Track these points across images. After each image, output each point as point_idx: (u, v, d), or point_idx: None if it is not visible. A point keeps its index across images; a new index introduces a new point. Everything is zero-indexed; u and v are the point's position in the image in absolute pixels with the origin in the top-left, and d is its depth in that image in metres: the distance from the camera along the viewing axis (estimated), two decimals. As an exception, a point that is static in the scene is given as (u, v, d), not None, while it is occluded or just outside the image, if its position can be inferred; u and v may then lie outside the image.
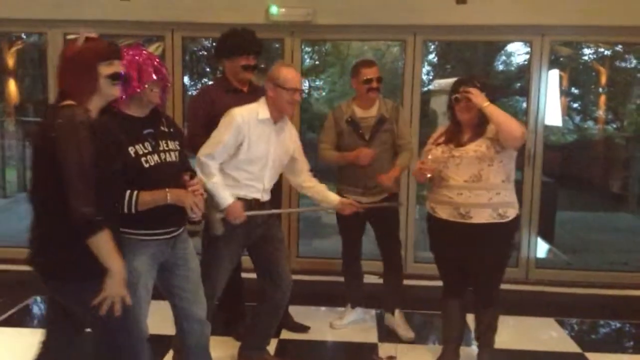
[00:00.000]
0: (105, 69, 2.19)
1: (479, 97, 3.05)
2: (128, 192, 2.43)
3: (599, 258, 6.30)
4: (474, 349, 3.52)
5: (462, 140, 3.19)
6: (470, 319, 3.48)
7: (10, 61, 10.46)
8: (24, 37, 10.16)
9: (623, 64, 11.30)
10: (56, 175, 2.05)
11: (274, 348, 3.74)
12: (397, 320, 3.93)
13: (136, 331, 2.37)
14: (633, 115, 11.62)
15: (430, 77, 11.92)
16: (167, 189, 2.48)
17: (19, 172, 10.98)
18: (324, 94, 15.70)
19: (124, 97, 2.43)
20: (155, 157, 2.53)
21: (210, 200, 2.94)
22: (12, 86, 10.61)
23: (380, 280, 4.09)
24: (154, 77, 2.48)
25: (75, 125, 2.05)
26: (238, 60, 3.53)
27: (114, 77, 2.21)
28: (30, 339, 3.67)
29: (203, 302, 2.81)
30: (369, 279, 4.22)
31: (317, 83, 15.71)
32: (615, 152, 10.74)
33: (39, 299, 4.61)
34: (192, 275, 2.76)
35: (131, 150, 2.47)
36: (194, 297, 2.77)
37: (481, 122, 3.14)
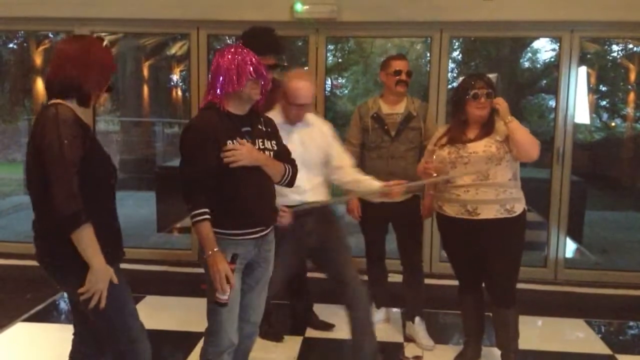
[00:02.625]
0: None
1: (505, 110, 3.04)
2: (201, 209, 2.43)
3: (629, 258, 6.17)
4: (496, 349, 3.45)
5: (466, 138, 3.14)
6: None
7: (38, 60, 10.63)
8: (52, 36, 10.31)
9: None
10: (42, 172, 2.09)
11: (298, 347, 3.73)
12: (416, 328, 3.83)
13: (126, 334, 2.34)
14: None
15: (455, 75, 11.84)
16: (215, 248, 2.44)
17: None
18: (346, 91, 15.70)
19: (221, 93, 2.50)
20: None
21: None
22: (39, 85, 10.79)
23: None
24: (252, 75, 2.49)
25: (57, 121, 2.09)
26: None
27: (109, 88, 2.35)
28: (57, 334, 3.74)
29: (262, 307, 2.81)
30: (393, 277, 4.18)
31: (340, 81, 15.71)
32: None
33: (66, 294, 4.65)
34: (263, 279, 2.76)
35: (229, 143, 2.49)
36: (257, 300, 2.76)
37: (490, 121, 3.12)
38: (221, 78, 2.49)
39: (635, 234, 7.24)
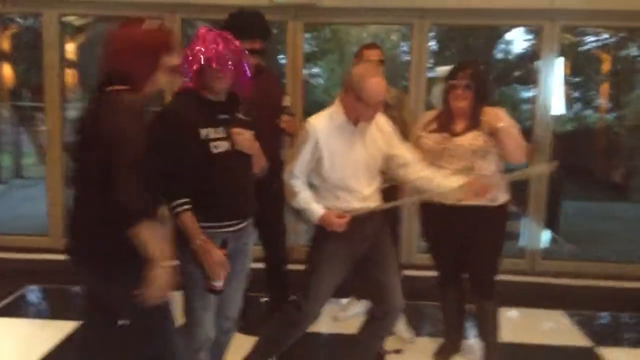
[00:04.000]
0: (167, 60, 2.16)
1: (494, 118, 2.97)
2: (181, 200, 2.35)
3: (604, 249, 6.20)
4: (477, 342, 3.42)
5: (455, 129, 3.06)
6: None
7: (5, 45, 10.31)
8: (20, 20, 10.02)
9: (625, 52, 11.20)
10: (105, 163, 1.97)
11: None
12: None
13: (175, 339, 2.26)
14: (635, 104, 11.51)
15: (429, 65, 11.80)
16: (202, 236, 2.36)
17: (15, 157, 10.86)
18: (322, 81, 15.57)
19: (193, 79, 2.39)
20: (227, 144, 2.42)
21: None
22: (6, 70, 10.46)
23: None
24: (214, 65, 2.36)
25: (135, 114, 1.99)
26: (242, 44, 3.39)
27: (172, 70, 2.20)
28: (25, 329, 3.59)
29: (239, 302, 2.71)
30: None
31: (315, 70, 15.57)
32: (616, 142, 10.67)
33: (34, 288, 4.50)
34: (241, 273, 2.65)
35: (202, 132, 2.37)
36: (234, 294, 2.65)
37: (475, 113, 3.02)
38: (189, 61, 2.39)
39: (611, 224, 7.31)
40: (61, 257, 2.27)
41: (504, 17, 4.85)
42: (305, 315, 2.86)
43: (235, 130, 2.41)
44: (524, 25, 8.65)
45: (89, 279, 2.21)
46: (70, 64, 9.01)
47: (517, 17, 4.82)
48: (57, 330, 3.63)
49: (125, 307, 2.15)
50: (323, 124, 2.76)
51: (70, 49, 8.74)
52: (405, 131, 3.63)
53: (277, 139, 3.68)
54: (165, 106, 2.50)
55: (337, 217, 2.73)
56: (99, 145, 1.98)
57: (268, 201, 3.23)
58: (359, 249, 2.88)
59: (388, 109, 3.57)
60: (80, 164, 2.12)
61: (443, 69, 7.70)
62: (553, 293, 4.60)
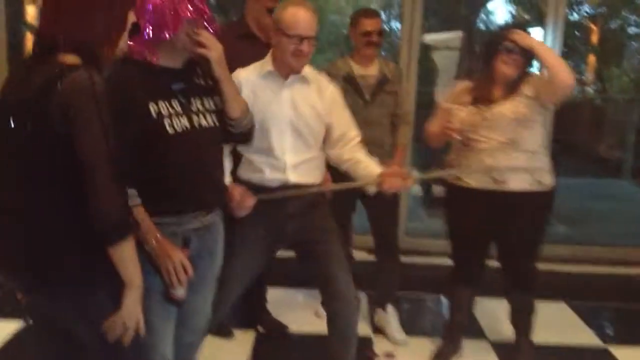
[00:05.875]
0: (131, 17, 1.70)
1: (527, 37, 2.61)
2: (131, 190, 1.79)
3: (600, 230, 5.85)
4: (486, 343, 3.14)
5: (492, 97, 2.69)
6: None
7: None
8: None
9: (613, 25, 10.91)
10: (64, 164, 1.55)
11: (251, 343, 3.24)
12: (388, 318, 3.36)
13: None
14: (622, 78, 11.25)
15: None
16: (158, 235, 1.88)
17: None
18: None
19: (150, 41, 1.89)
20: (185, 120, 1.92)
21: None
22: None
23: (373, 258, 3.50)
24: (189, 15, 1.87)
25: (96, 96, 1.52)
26: (264, 1, 2.93)
27: (133, 28, 1.74)
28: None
29: (207, 311, 2.23)
30: (359, 256, 3.69)
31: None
32: (602, 115, 10.38)
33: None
34: (209, 275, 2.18)
35: (152, 108, 1.87)
36: (202, 302, 2.19)
37: (518, 79, 2.67)
38: (150, 21, 1.86)
39: (603, 203, 6.98)
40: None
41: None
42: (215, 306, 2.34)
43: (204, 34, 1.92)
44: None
45: (52, 309, 1.74)
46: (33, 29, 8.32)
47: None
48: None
49: (97, 343, 1.69)
50: (248, 74, 2.41)
51: (31, 12, 8.06)
52: (396, 112, 3.30)
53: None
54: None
55: (243, 197, 2.30)
56: (54, 135, 1.53)
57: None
58: (282, 230, 2.48)
59: (386, 82, 3.24)
60: (25, 160, 1.59)
61: (434, 37, 7.29)
62: (552, 281, 4.23)
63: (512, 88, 2.67)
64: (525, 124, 2.65)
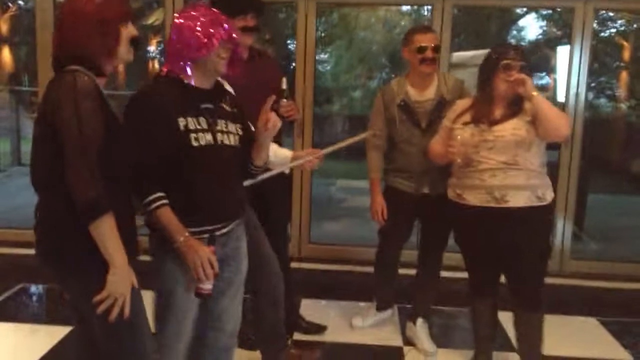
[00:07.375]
0: (126, 32, 1.92)
1: (530, 85, 2.61)
2: (156, 195, 2.01)
3: (634, 247, 5.82)
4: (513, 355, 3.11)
5: (493, 118, 2.72)
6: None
7: (4, 28, 9.97)
8: (20, 2, 9.72)
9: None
10: (55, 151, 1.77)
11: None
12: (417, 331, 3.41)
13: (141, 348, 1.94)
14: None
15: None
16: (186, 233, 2.03)
17: (13, 144, 10.56)
18: (328, 67, 15.21)
19: (184, 62, 2.06)
20: (209, 136, 2.06)
21: None
22: (5, 54, 10.15)
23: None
24: (222, 37, 2.03)
25: (76, 95, 1.74)
26: (234, 22, 2.92)
27: (134, 42, 1.94)
28: (15, 334, 3.26)
29: (238, 315, 2.37)
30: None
31: (322, 56, 15.22)
32: (637, 132, 10.29)
33: (31, 287, 4.19)
34: (236, 280, 2.31)
35: (181, 122, 2.01)
36: (232, 305, 2.32)
37: (518, 100, 2.70)
38: (183, 43, 2.04)
39: (635, 219, 6.93)
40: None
41: (533, -2, 4.49)
42: None
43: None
44: (555, 7, 8.24)
45: (57, 280, 1.96)
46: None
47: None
48: (48, 336, 3.32)
49: (93, 316, 1.85)
50: None
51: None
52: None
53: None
54: (141, 89, 2.15)
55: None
56: (48, 129, 1.79)
57: (273, 198, 3.00)
58: None
59: (444, 106, 3.13)
60: (35, 150, 1.88)
61: (460, 55, 7.35)
62: (584, 297, 4.26)
63: (513, 108, 2.70)
64: (525, 146, 2.68)
